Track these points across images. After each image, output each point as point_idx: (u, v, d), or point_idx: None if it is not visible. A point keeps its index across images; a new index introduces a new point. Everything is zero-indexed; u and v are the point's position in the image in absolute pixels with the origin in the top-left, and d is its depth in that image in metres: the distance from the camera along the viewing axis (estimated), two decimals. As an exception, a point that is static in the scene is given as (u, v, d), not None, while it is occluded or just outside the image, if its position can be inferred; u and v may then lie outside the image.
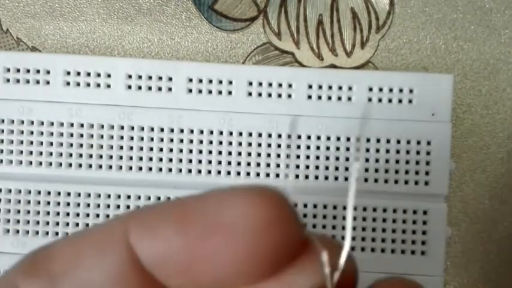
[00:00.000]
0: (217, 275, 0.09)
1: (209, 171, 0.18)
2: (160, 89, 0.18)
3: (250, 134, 0.18)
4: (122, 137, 0.18)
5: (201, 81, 0.18)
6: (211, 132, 0.18)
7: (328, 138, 0.18)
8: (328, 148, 0.18)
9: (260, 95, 0.18)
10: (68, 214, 0.18)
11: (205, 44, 0.21)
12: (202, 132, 0.18)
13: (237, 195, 0.09)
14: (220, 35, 0.21)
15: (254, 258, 0.08)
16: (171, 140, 0.18)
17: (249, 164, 0.18)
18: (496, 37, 0.21)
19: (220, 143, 0.18)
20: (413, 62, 0.21)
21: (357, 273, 0.09)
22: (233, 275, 0.09)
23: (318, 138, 0.18)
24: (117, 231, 0.09)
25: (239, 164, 0.18)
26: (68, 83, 0.18)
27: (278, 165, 0.18)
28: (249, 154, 0.18)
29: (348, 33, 0.21)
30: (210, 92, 0.18)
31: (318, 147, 0.18)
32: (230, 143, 0.18)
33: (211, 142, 0.18)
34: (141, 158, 0.18)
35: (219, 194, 0.09)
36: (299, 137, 0.18)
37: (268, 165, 0.18)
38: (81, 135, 0.18)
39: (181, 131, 0.18)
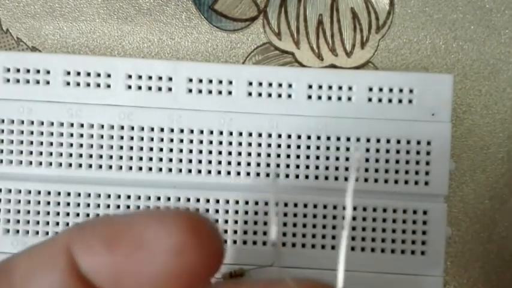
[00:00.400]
0: None
1: (209, 171, 0.18)
2: (160, 89, 0.18)
3: (250, 134, 0.18)
4: (122, 137, 0.18)
5: (201, 81, 0.18)
6: (211, 132, 0.18)
7: (328, 138, 0.18)
8: (328, 148, 0.18)
9: (260, 95, 0.18)
10: (68, 214, 0.18)
11: (205, 44, 0.21)
12: (202, 132, 0.18)
13: (159, 219, 0.10)
14: (220, 35, 0.21)
15: (171, 275, 0.10)
16: (171, 140, 0.18)
17: (249, 164, 0.18)
18: (496, 37, 0.21)
19: (220, 143, 0.18)
20: (413, 62, 0.21)
21: None
22: None
23: (318, 138, 0.18)
24: (61, 244, 0.10)
25: (239, 164, 0.18)
26: (68, 83, 0.18)
27: (278, 165, 0.18)
28: (249, 154, 0.18)
29: (348, 33, 0.21)
30: (210, 92, 0.18)
31: (318, 147, 0.18)
32: (230, 143, 0.18)
33: (211, 142, 0.18)
34: (141, 158, 0.18)
35: (146, 215, 0.10)
36: (299, 137, 0.18)
37: (268, 165, 0.18)
38: (81, 135, 0.18)
39: (181, 131, 0.18)
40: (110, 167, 0.18)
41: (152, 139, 0.18)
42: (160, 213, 0.10)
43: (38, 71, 0.18)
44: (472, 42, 0.21)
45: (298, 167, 0.18)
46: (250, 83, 0.18)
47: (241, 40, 0.21)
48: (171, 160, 0.18)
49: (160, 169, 0.18)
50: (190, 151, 0.18)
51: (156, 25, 0.21)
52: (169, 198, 0.18)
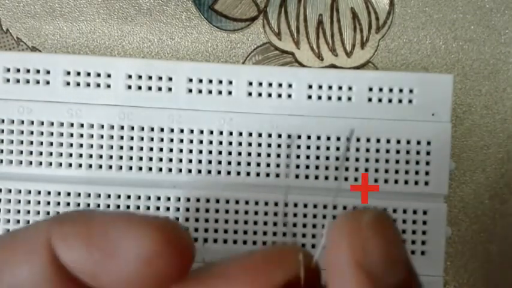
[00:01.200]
0: (117, 286, 0.11)
1: (209, 171, 0.18)
2: (160, 89, 0.18)
3: (250, 134, 0.18)
4: (122, 137, 0.18)
5: (201, 81, 0.18)
6: (211, 132, 0.18)
7: (328, 138, 0.18)
8: (328, 148, 0.18)
9: (260, 95, 0.18)
10: (68, 214, 0.18)
11: (205, 44, 0.21)
12: (202, 132, 0.18)
13: (135, 226, 0.11)
14: (220, 35, 0.21)
15: (142, 278, 0.11)
16: (171, 140, 0.18)
17: (249, 164, 0.18)
18: (496, 37, 0.21)
19: (220, 143, 0.18)
20: (413, 62, 0.21)
21: (320, 272, 0.12)
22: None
23: (318, 138, 0.18)
24: (43, 238, 0.11)
25: (239, 164, 0.18)
26: (68, 83, 0.18)
27: (278, 165, 0.18)
28: (249, 154, 0.18)
29: (348, 33, 0.21)
30: (210, 92, 0.18)
31: (318, 147, 0.18)
32: (230, 143, 0.18)
33: (211, 142, 0.18)
34: (141, 158, 0.18)
35: (122, 221, 0.11)
36: (299, 137, 0.18)
37: (268, 165, 0.18)
38: (81, 135, 0.18)
39: (181, 131, 0.18)
40: (110, 167, 0.18)
41: (152, 139, 0.18)
42: (135, 220, 0.11)
43: (38, 71, 0.18)
44: (472, 42, 0.21)
45: (298, 167, 0.18)
46: (250, 83, 0.18)
47: (241, 40, 0.21)
48: (171, 160, 0.18)
49: (160, 169, 0.18)
50: (190, 151, 0.18)
51: (156, 25, 0.21)
52: (169, 198, 0.18)
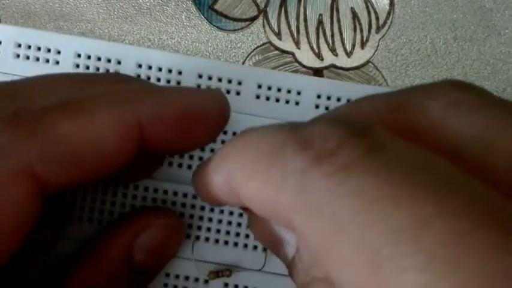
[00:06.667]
0: None
1: (209, 169, 0.18)
2: (169, 81, 0.18)
3: (254, 137, 0.18)
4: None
5: (210, 78, 0.18)
6: (216, 131, 0.18)
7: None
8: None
9: (268, 99, 0.18)
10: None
11: (205, 43, 0.21)
12: (206, 129, 0.18)
13: None
14: (220, 35, 0.21)
15: None
16: (175, 134, 0.18)
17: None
18: (496, 37, 0.21)
19: (223, 142, 0.18)
20: (413, 62, 0.21)
21: None
22: None
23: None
24: None
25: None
26: (78, 65, 0.18)
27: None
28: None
29: (348, 33, 0.21)
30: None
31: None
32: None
33: (214, 140, 0.18)
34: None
35: None
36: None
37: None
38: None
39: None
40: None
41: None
42: None
43: (49, 50, 0.18)
44: (472, 42, 0.21)
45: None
46: (260, 86, 0.18)
47: (241, 40, 0.21)
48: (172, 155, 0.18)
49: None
50: (193, 147, 0.18)
51: (156, 25, 0.21)
52: (166, 192, 0.18)
